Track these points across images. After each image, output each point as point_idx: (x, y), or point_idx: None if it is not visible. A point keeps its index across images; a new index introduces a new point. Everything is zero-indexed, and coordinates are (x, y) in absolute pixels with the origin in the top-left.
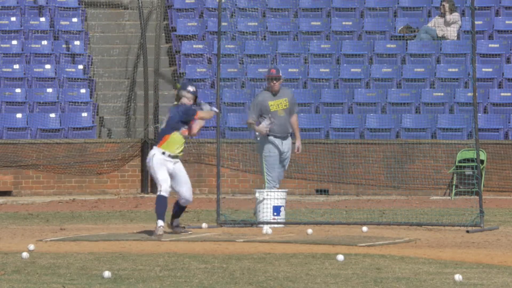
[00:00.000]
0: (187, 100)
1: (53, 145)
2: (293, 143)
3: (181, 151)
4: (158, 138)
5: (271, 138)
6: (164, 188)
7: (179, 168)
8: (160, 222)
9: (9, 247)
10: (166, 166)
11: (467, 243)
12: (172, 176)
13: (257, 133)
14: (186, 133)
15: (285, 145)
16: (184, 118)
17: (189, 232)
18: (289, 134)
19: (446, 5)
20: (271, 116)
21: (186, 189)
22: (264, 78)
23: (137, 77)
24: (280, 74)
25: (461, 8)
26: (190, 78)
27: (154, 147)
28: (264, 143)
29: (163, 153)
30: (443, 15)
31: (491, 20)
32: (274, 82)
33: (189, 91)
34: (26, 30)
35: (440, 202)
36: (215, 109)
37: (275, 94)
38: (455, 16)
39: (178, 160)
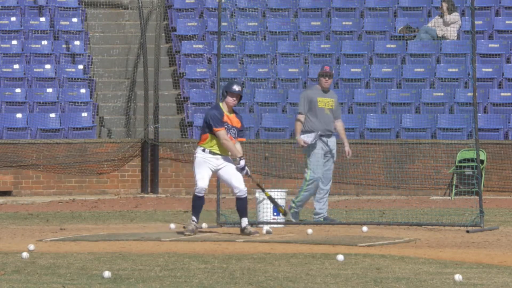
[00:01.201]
0: (231, 100)
1: (53, 145)
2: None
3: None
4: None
5: (309, 139)
6: (198, 186)
7: (224, 163)
8: (193, 218)
9: (9, 247)
10: (208, 164)
11: (467, 243)
12: (219, 172)
13: (306, 137)
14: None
15: (330, 143)
16: (207, 123)
17: (257, 234)
18: (332, 134)
19: (445, 6)
20: (318, 112)
21: (235, 180)
22: (263, 78)
23: (137, 77)
24: (332, 72)
25: (461, 8)
26: (190, 77)
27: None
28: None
29: (203, 150)
30: (442, 15)
31: (491, 20)
32: (327, 79)
33: (234, 90)
34: (26, 30)
35: (440, 202)
36: (242, 164)
37: (325, 91)
38: (455, 16)
39: (223, 156)
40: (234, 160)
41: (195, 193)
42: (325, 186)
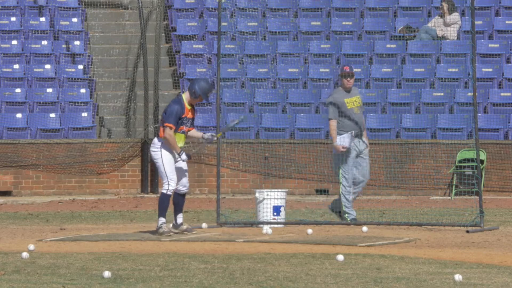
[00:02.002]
0: (195, 100)
1: (53, 145)
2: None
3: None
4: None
5: (346, 143)
6: (173, 187)
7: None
8: (162, 219)
9: (9, 247)
10: (174, 158)
11: (467, 243)
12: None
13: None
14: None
15: (361, 143)
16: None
17: (194, 232)
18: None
19: (445, 6)
20: (349, 113)
21: (185, 177)
22: (263, 78)
23: (137, 77)
24: (353, 71)
25: (461, 8)
26: (190, 78)
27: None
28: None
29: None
30: (442, 15)
31: (491, 20)
32: (348, 79)
33: (196, 91)
34: (26, 30)
35: (440, 202)
36: (183, 157)
37: (348, 91)
38: (455, 16)
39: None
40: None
41: (168, 193)
42: (362, 183)
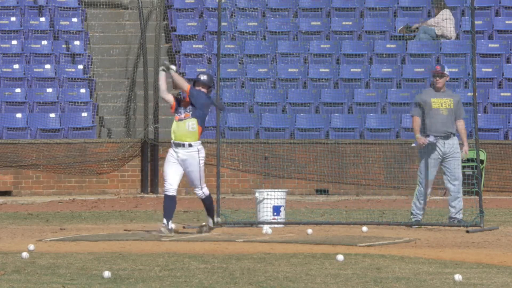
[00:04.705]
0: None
1: (53, 145)
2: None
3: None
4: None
5: (431, 138)
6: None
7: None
8: (164, 221)
9: (9, 247)
10: (173, 158)
11: (467, 243)
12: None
13: (414, 143)
14: (177, 118)
15: (447, 145)
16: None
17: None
18: (452, 134)
19: (435, 6)
20: (432, 113)
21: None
22: (263, 78)
23: (137, 77)
24: (445, 72)
25: (461, 8)
26: (190, 77)
27: None
28: (418, 147)
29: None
30: (434, 14)
31: (491, 20)
32: (437, 79)
33: (199, 79)
34: (26, 30)
35: (440, 202)
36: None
37: (439, 91)
38: (446, 12)
39: (186, 148)
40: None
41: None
42: (454, 186)
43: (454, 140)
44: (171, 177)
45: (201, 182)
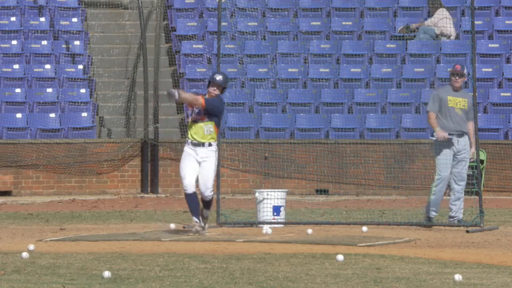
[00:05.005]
0: (211, 89)
1: (53, 145)
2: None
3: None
4: None
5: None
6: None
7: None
8: (194, 219)
9: (9, 247)
10: (192, 157)
11: (467, 243)
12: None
13: (434, 135)
14: (192, 119)
15: (461, 143)
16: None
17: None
18: (465, 133)
19: (431, 5)
20: (447, 111)
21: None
22: (263, 78)
23: (137, 77)
24: (464, 72)
25: (461, 8)
26: (190, 77)
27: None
28: (438, 142)
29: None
30: (432, 14)
31: (491, 20)
32: (457, 78)
33: (214, 79)
34: (26, 30)
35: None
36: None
37: (456, 90)
38: (442, 11)
39: (203, 149)
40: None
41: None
42: (459, 186)
43: (466, 140)
44: (189, 175)
45: (212, 183)
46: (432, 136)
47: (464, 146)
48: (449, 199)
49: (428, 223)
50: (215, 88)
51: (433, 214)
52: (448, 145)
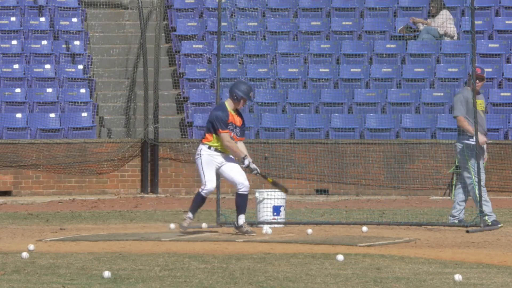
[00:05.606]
0: (240, 103)
1: (53, 145)
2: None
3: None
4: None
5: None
6: (208, 188)
7: (226, 161)
8: (190, 214)
9: (9, 247)
10: (215, 162)
11: (467, 243)
12: (222, 169)
13: (469, 139)
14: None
15: (485, 145)
16: (212, 124)
17: (254, 234)
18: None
19: (434, 6)
20: (472, 113)
21: (239, 175)
22: (263, 78)
23: (137, 77)
24: (484, 75)
25: (461, 8)
26: (190, 77)
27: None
28: (473, 147)
29: (209, 148)
30: (434, 15)
31: (491, 20)
32: (477, 81)
33: (248, 97)
34: (26, 30)
35: (440, 202)
36: (246, 163)
37: (477, 93)
38: (446, 12)
39: (226, 154)
40: (240, 162)
41: (202, 193)
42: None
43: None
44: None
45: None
46: (468, 140)
47: (485, 148)
48: (454, 199)
49: (496, 223)
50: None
51: (494, 216)
52: (482, 150)
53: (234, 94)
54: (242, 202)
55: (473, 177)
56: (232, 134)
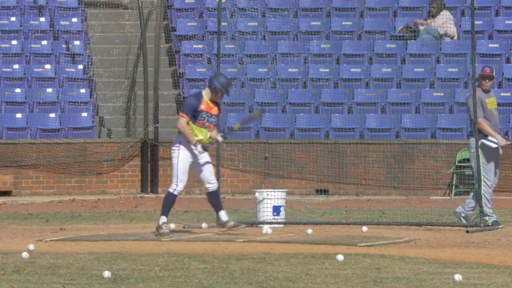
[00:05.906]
0: (209, 91)
1: (53, 145)
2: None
3: (203, 140)
4: None
5: (488, 140)
6: (180, 187)
7: (200, 155)
8: (163, 219)
9: (9, 247)
10: (189, 160)
11: (467, 243)
12: (193, 164)
13: (489, 141)
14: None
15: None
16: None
17: (243, 225)
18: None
19: (434, 6)
20: (489, 114)
21: (209, 173)
22: (263, 78)
23: (137, 77)
24: (494, 74)
25: (461, 8)
26: (190, 77)
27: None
28: (492, 149)
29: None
30: (434, 15)
31: (491, 20)
32: (487, 81)
33: (215, 86)
34: (26, 30)
35: (440, 202)
36: (219, 138)
37: (487, 91)
38: (446, 13)
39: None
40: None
41: (175, 193)
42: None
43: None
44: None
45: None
46: (488, 141)
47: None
48: (466, 197)
49: (496, 223)
50: (219, 94)
51: (495, 216)
52: (498, 152)
53: (213, 85)
54: (216, 199)
55: (482, 175)
56: (206, 123)
